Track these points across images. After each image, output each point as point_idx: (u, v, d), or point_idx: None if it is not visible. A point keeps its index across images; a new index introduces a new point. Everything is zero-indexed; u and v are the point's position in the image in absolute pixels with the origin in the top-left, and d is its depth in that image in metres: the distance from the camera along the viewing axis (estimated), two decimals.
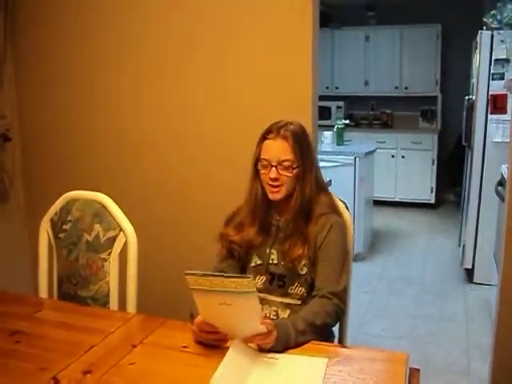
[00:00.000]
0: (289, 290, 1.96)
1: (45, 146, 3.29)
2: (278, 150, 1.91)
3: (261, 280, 1.99)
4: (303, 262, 1.93)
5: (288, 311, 1.94)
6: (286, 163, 1.91)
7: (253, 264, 2.02)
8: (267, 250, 2.00)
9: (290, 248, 1.93)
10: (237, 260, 2.04)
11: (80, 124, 3.18)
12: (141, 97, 3.04)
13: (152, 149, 3.06)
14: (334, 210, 2.01)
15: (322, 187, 2.03)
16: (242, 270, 2.04)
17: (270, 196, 1.95)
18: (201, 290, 1.52)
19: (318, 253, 1.92)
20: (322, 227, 1.93)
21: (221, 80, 2.86)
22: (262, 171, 1.94)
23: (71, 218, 2.24)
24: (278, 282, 1.97)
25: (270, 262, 1.99)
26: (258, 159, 1.96)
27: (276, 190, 1.93)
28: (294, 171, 1.92)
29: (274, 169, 1.91)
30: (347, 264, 1.97)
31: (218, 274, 1.60)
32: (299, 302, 1.95)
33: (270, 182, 1.92)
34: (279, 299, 1.97)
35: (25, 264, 3.28)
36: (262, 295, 1.94)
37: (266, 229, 2.01)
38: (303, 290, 1.95)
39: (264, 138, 1.95)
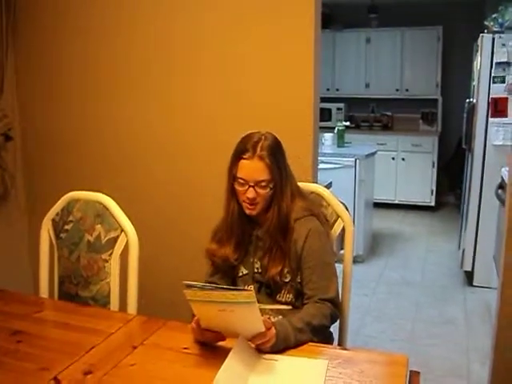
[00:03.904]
0: (277, 297, 1.97)
1: (46, 145, 3.29)
2: (255, 171, 1.88)
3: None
4: (286, 270, 1.93)
5: (280, 317, 1.93)
6: (263, 183, 1.89)
7: (240, 274, 2.03)
8: (251, 260, 2.00)
9: (268, 264, 1.93)
10: (224, 273, 2.03)
11: (82, 123, 3.18)
12: (147, 98, 3.04)
13: (157, 149, 3.06)
14: (311, 212, 1.99)
15: (296, 194, 2.01)
16: (233, 281, 2.04)
17: (247, 211, 1.94)
18: (199, 301, 1.52)
19: (300, 260, 1.92)
20: (298, 234, 1.93)
21: (224, 82, 2.86)
22: (239, 189, 1.92)
23: (73, 218, 2.24)
24: (265, 290, 1.98)
25: (256, 271, 1.99)
26: (234, 178, 1.92)
27: (252, 207, 1.92)
28: (271, 190, 1.91)
29: (251, 189, 1.88)
30: (332, 267, 1.95)
31: (217, 286, 1.60)
32: (290, 307, 1.96)
33: (248, 201, 1.91)
34: (269, 306, 1.97)
35: (25, 264, 3.28)
36: None
37: (246, 242, 2.00)
38: (291, 296, 1.96)
39: (239, 157, 1.90)
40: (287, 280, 1.94)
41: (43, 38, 3.18)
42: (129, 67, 3.04)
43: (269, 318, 1.90)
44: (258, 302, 1.95)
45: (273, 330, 1.60)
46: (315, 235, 1.94)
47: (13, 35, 3.17)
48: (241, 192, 1.91)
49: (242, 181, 1.90)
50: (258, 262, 1.98)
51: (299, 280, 1.93)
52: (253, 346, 1.59)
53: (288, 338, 1.65)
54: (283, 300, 1.96)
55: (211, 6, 2.82)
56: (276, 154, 1.91)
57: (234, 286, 2.02)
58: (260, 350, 1.60)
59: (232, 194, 1.96)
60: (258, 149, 1.88)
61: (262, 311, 1.94)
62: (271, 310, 1.96)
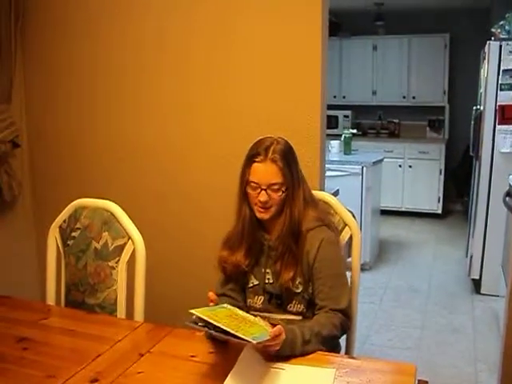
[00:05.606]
0: (288, 308, 1.96)
1: (53, 152, 3.29)
2: (268, 173, 1.88)
3: (259, 300, 2.00)
4: (298, 281, 1.92)
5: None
6: (276, 186, 1.88)
7: (250, 285, 2.02)
8: (262, 270, 1.99)
9: (281, 270, 1.92)
10: (236, 283, 2.03)
11: (89, 131, 3.19)
12: (140, 106, 3.03)
13: (153, 158, 3.05)
14: (324, 222, 1.98)
15: (309, 201, 2.00)
16: (243, 292, 2.04)
17: (258, 215, 1.93)
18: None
19: (312, 271, 1.91)
20: (311, 244, 1.92)
21: (225, 89, 2.85)
22: (251, 192, 1.91)
23: (80, 225, 2.24)
24: (276, 301, 1.98)
25: (266, 281, 1.98)
26: (246, 182, 1.92)
27: (264, 210, 1.91)
28: (284, 194, 1.90)
29: (263, 192, 1.88)
30: (344, 278, 1.95)
31: (221, 332, 1.55)
32: (300, 318, 1.95)
33: (260, 204, 1.90)
34: (280, 316, 1.96)
35: (32, 271, 3.28)
36: (262, 314, 1.96)
37: (257, 250, 1.99)
38: (302, 306, 1.95)
39: (252, 160, 1.90)
40: (299, 291, 1.93)
41: (51, 45, 3.18)
42: (125, 79, 3.04)
43: None
44: (268, 312, 1.96)
45: (282, 336, 1.59)
46: (327, 246, 1.93)
47: (21, 43, 3.19)
48: (253, 196, 1.91)
49: (254, 184, 1.89)
50: (270, 272, 1.97)
51: (311, 290, 1.93)
52: (259, 346, 1.56)
53: (294, 347, 1.64)
54: (294, 310, 1.95)
55: (212, 11, 2.82)
56: (288, 158, 1.91)
57: (244, 296, 2.03)
58: (266, 355, 1.60)
59: (244, 198, 1.96)
60: (270, 152, 1.88)
61: (273, 321, 1.94)
62: (281, 319, 1.95)
